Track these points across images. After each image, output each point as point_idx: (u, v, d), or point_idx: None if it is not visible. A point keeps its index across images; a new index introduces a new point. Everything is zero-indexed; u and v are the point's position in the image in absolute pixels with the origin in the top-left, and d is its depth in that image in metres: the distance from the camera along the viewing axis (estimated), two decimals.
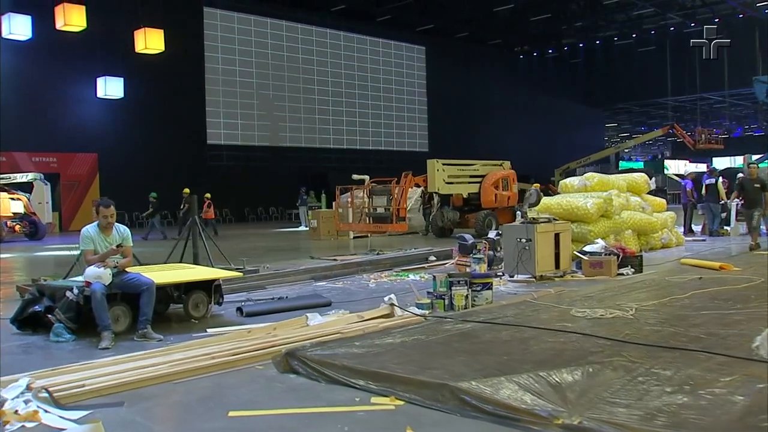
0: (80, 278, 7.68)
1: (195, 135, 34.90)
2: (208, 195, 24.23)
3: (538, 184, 12.47)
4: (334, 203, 22.72)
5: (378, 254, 13.85)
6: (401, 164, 34.38)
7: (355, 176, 22.04)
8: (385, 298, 7.12)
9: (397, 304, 7.06)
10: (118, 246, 6.83)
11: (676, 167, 62.25)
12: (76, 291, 6.72)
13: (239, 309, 7.89)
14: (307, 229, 22.97)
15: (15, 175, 24.51)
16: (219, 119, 36.48)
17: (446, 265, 12.63)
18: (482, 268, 8.18)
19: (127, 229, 7.09)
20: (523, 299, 8.24)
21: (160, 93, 32.50)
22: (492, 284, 8.19)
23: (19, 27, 26.41)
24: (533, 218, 10.38)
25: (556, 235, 10.42)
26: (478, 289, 7.90)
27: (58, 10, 25.70)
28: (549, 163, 46.46)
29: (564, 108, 56.31)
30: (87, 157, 30.90)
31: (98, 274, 6.50)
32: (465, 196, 20.54)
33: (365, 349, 5.42)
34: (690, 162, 64.83)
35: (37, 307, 7.07)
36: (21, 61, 28.55)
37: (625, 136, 75.06)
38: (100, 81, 30.61)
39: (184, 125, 34.05)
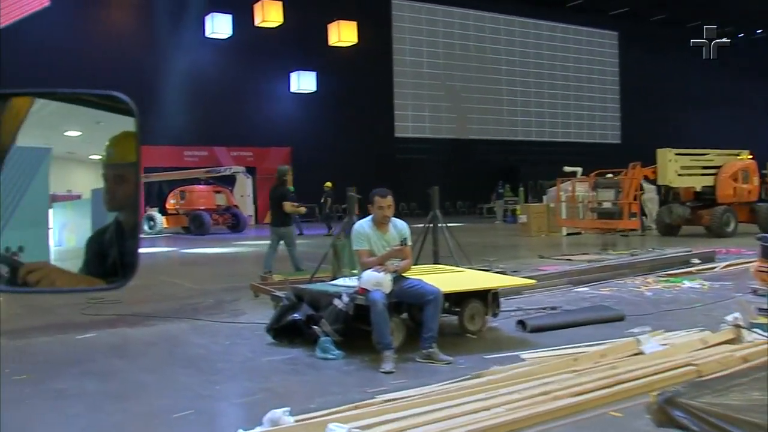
0: (340, 282, 6.67)
1: (383, 128, 34.41)
2: (328, 184, 22.75)
3: None
4: (545, 197, 21.06)
5: (632, 255, 12.14)
6: (592, 156, 32.05)
7: (566, 168, 20.20)
8: (728, 317, 5.50)
9: (744, 326, 5.42)
10: (402, 242, 5.62)
11: None
12: (346, 299, 5.62)
13: (521, 322, 6.54)
14: (516, 222, 21.50)
15: (218, 168, 24.91)
16: (407, 112, 35.80)
17: (715, 269, 10.74)
18: None
19: (406, 224, 5.83)
20: None
21: (349, 86, 32.18)
22: None
23: (221, 26, 27.10)
24: None
25: None
26: None
27: (257, 7, 26.08)
28: (757, 155, 41.86)
29: None
30: (281, 150, 31.17)
31: (378, 281, 5.31)
32: (698, 190, 18.14)
33: None
34: None
35: (296, 315, 6.07)
36: (220, 59, 29.17)
37: None
38: (293, 76, 30.90)
39: (373, 118, 33.60)
